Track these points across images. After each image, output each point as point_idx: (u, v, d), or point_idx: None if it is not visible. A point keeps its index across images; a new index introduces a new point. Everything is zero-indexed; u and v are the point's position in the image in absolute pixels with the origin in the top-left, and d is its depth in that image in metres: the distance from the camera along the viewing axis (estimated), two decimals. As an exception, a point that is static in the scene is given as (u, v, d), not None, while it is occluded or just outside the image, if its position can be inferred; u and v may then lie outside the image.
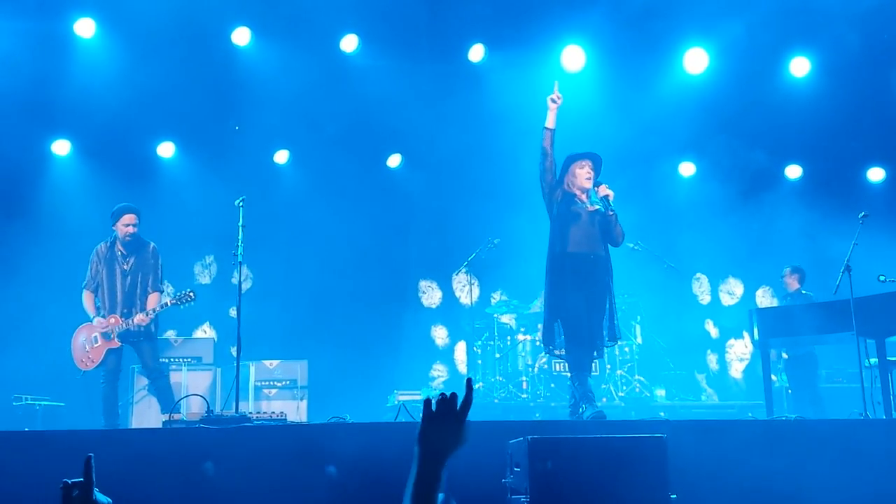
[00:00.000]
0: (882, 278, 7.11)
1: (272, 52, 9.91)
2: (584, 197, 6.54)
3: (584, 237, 6.44)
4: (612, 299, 6.54)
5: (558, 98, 6.50)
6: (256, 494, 5.13)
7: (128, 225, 7.36)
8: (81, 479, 2.29)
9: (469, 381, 2.31)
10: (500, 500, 4.89)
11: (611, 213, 6.42)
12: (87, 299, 7.45)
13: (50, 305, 9.13)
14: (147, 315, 7.29)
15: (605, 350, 6.78)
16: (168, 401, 7.29)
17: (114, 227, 7.43)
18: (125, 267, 7.41)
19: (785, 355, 9.10)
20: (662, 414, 8.94)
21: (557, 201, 6.52)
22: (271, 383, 8.62)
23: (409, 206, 10.98)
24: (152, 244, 7.54)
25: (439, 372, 11.06)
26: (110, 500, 2.34)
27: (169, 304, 7.35)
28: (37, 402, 8.48)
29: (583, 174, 6.52)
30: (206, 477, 5.09)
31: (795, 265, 9.27)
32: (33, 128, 9.69)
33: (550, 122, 6.52)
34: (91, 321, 7.41)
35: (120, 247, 7.42)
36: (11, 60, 9.18)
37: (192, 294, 7.36)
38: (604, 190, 6.42)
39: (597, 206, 6.47)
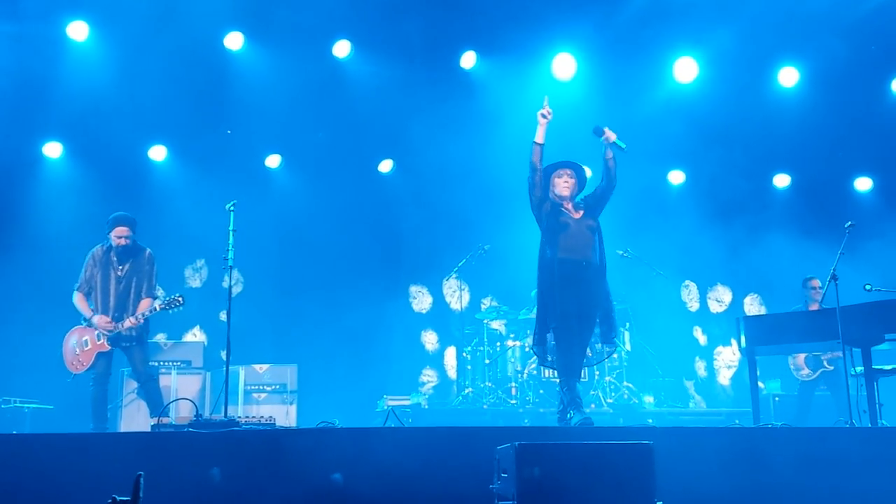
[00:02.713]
0: (868, 287, 7.15)
1: (265, 56, 9.94)
2: (569, 205, 6.58)
3: (574, 244, 6.47)
4: (609, 305, 6.56)
5: (548, 113, 6.50)
6: (244, 499, 5.14)
7: (119, 237, 7.41)
8: (129, 498, 2.33)
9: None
10: (487, 506, 4.91)
11: (623, 147, 6.46)
12: (81, 300, 7.45)
13: (39, 308, 9.12)
14: (136, 319, 7.31)
15: (601, 355, 6.78)
16: (157, 405, 7.30)
17: (108, 235, 7.46)
18: (119, 272, 7.43)
19: (830, 366, 8.75)
20: (650, 421, 8.99)
21: (546, 212, 6.57)
22: (261, 387, 8.63)
23: (399, 211, 11.00)
24: (148, 250, 7.56)
25: (429, 377, 11.08)
26: None
27: (158, 308, 7.37)
28: (25, 405, 8.46)
29: (560, 182, 6.58)
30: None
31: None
32: (25, 130, 9.69)
33: (540, 137, 6.52)
34: (82, 322, 7.42)
35: (114, 253, 7.45)
36: (4, 62, 9.18)
37: (180, 299, 7.38)
38: (609, 134, 6.47)
39: (581, 213, 6.51)
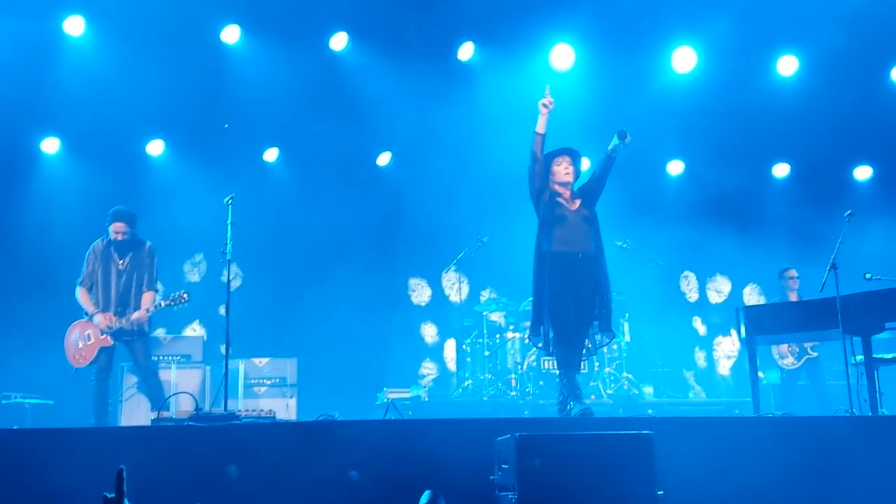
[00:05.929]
0: (868, 276, 7.15)
1: (262, 49, 9.90)
2: (567, 194, 6.57)
3: (570, 237, 6.47)
4: (607, 294, 6.56)
5: (550, 103, 6.47)
6: (245, 492, 5.14)
7: (117, 232, 7.46)
8: (114, 496, 2.39)
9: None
10: (488, 497, 4.91)
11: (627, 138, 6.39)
12: (83, 295, 7.47)
13: (39, 303, 9.10)
14: (146, 312, 7.32)
15: (600, 344, 6.76)
16: (158, 399, 7.32)
17: (107, 228, 7.48)
18: (120, 266, 7.45)
19: (814, 353, 8.87)
20: (650, 411, 8.99)
21: (545, 202, 6.56)
22: (261, 381, 8.63)
23: (398, 204, 10.99)
24: (148, 243, 7.58)
25: (429, 370, 11.08)
26: None
27: (163, 304, 7.38)
28: (26, 401, 8.46)
29: (561, 170, 6.58)
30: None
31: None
32: (22, 125, 9.66)
33: (541, 126, 6.50)
34: (85, 316, 7.43)
35: (114, 247, 7.45)
36: (0, 58, 9.14)
37: (185, 295, 7.39)
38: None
39: (578, 203, 6.51)
